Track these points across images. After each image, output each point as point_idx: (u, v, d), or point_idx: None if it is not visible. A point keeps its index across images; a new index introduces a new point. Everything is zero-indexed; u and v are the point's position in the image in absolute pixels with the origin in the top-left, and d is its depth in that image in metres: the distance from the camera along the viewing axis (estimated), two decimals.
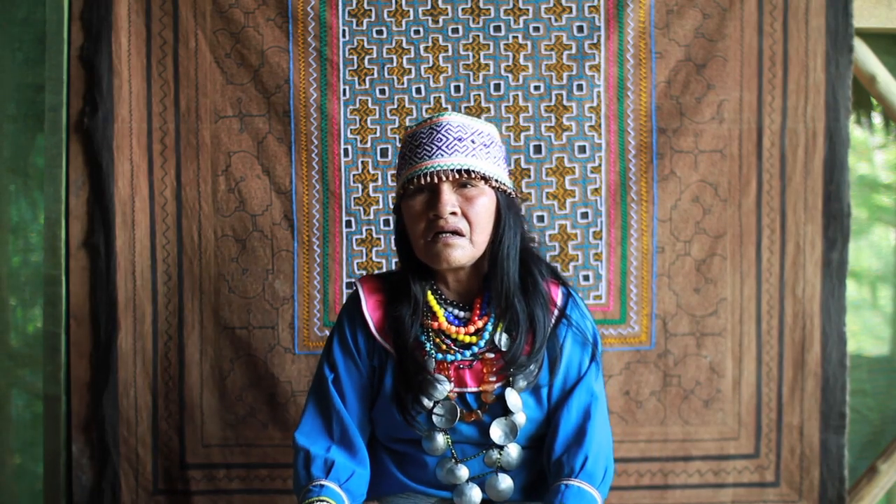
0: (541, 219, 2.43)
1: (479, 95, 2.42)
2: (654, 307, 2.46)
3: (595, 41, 2.42)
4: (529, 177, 2.42)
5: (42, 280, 2.48)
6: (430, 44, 2.42)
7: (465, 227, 1.66)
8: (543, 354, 1.73)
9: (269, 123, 2.42)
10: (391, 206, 2.41)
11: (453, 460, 1.73)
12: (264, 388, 2.43)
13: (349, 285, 2.43)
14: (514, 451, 1.73)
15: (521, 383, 1.72)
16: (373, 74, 2.42)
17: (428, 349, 1.73)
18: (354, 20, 2.41)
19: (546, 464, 1.74)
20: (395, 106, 2.42)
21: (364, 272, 2.42)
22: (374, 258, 2.43)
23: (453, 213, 1.65)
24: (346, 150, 2.42)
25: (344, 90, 2.42)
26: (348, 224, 2.43)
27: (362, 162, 2.42)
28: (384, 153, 2.42)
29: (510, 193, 1.74)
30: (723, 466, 2.48)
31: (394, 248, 2.40)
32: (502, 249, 1.71)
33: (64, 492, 2.44)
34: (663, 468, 2.47)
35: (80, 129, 2.41)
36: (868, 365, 2.76)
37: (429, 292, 1.76)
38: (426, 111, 2.42)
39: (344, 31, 2.41)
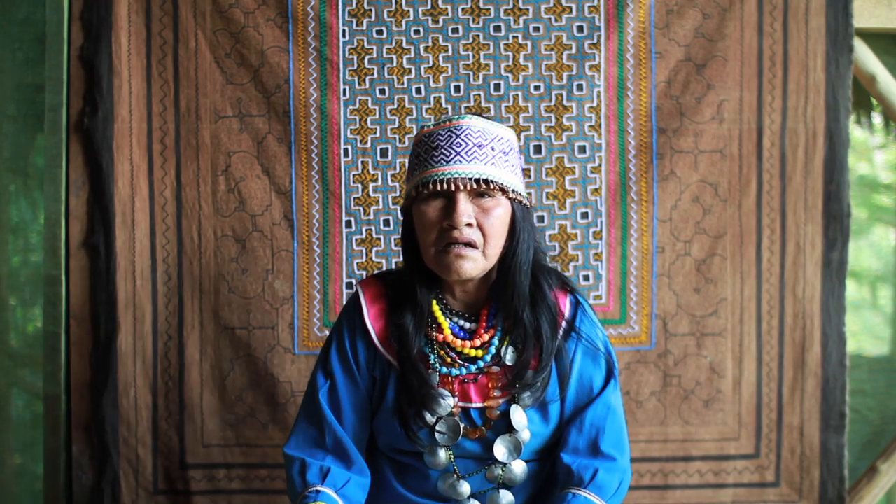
0: (541, 219, 2.43)
1: (479, 95, 2.42)
2: (655, 307, 2.46)
3: (595, 41, 2.42)
4: (529, 177, 2.42)
5: (42, 280, 2.48)
6: (430, 44, 2.42)
7: (479, 238, 1.60)
8: (551, 370, 1.67)
9: (268, 123, 2.42)
10: (391, 206, 2.41)
11: (455, 476, 1.69)
12: (264, 388, 2.43)
13: (349, 285, 2.43)
14: (517, 467, 1.68)
15: (527, 400, 1.66)
16: (373, 74, 2.42)
17: (432, 362, 1.68)
18: (354, 20, 2.41)
19: (556, 469, 1.71)
20: (395, 106, 2.42)
21: (364, 272, 2.42)
22: (374, 258, 2.43)
23: (469, 225, 1.59)
24: (346, 150, 2.42)
25: (344, 90, 2.42)
26: (348, 224, 2.43)
27: (362, 162, 2.42)
28: (384, 153, 2.42)
29: (526, 204, 1.67)
30: (723, 467, 2.48)
31: (394, 249, 2.40)
32: (515, 263, 1.64)
33: (64, 492, 2.44)
34: (663, 468, 2.47)
35: (80, 129, 2.41)
36: (868, 365, 2.76)
37: (434, 302, 1.70)
38: (426, 111, 2.42)
39: (344, 31, 2.41)
